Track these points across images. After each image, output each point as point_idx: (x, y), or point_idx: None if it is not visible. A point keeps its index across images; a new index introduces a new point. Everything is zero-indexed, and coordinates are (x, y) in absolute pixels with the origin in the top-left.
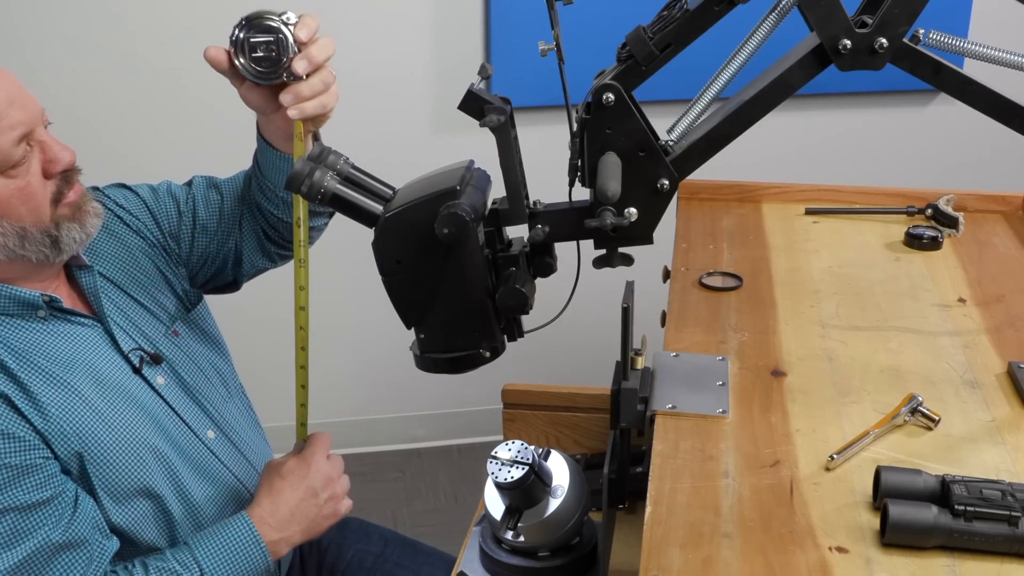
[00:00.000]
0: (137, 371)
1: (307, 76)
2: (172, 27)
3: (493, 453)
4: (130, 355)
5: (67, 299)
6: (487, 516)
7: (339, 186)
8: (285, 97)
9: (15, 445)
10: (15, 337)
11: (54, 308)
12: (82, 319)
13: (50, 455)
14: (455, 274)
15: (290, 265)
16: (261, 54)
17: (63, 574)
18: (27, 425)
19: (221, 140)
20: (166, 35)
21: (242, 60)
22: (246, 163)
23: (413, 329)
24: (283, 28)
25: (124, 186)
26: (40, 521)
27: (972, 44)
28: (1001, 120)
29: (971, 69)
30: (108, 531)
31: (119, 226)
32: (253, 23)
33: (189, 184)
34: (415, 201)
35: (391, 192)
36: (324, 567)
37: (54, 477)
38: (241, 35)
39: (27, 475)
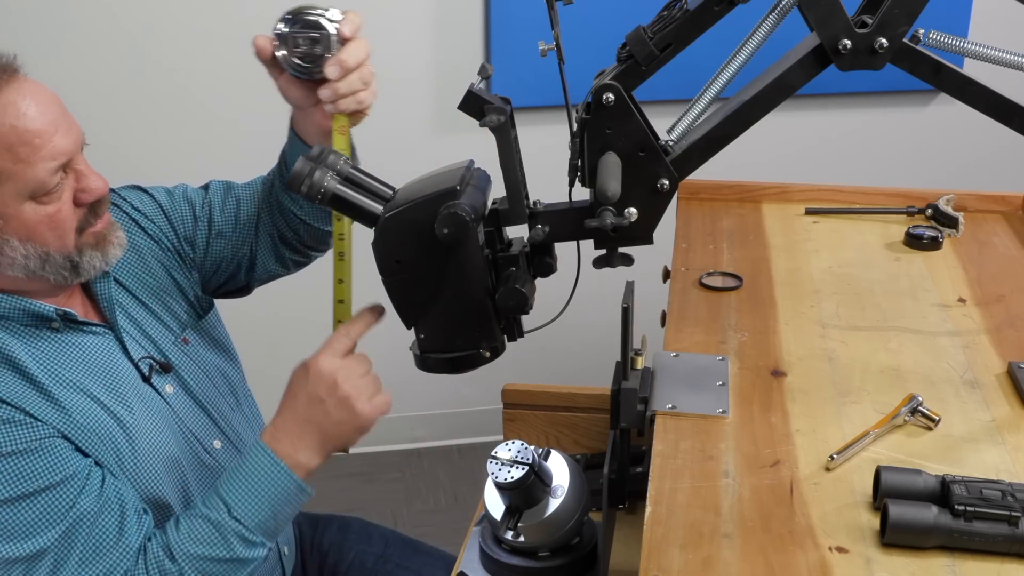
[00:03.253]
0: (146, 380)
1: (338, 80)
2: (174, 27)
3: (493, 453)
4: (140, 363)
5: (80, 307)
6: (487, 516)
7: (339, 186)
8: (323, 92)
9: (31, 432)
10: (33, 345)
11: (68, 320)
12: (94, 328)
13: (63, 438)
14: (455, 274)
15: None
16: (303, 49)
17: (114, 533)
18: (38, 421)
19: (223, 141)
20: (168, 36)
21: (284, 53)
22: (248, 164)
23: (413, 329)
24: (327, 25)
25: (140, 188)
26: (75, 493)
27: (972, 44)
28: (1001, 120)
29: (971, 69)
30: (141, 500)
31: (134, 230)
32: (299, 18)
33: (205, 188)
34: (415, 201)
35: (391, 192)
36: (325, 569)
37: (74, 454)
38: (285, 29)
39: (49, 455)
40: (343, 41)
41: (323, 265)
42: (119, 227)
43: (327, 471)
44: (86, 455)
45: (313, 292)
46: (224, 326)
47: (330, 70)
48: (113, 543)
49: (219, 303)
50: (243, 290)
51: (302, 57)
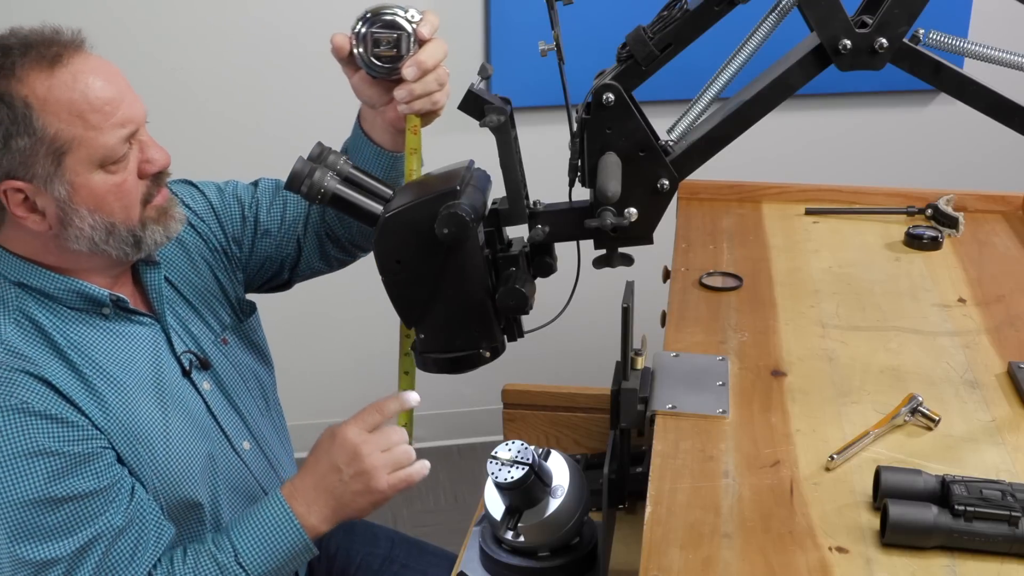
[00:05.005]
0: (186, 374)
1: (415, 80)
2: (174, 27)
3: (493, 453)
4: (181, 357)
5: (130, 296)
6: (487, 516)
7: (339, 186)
8: (399, 93)
9: (77, 433)
10: (76, 332)
11: (119, 307)
12: (142, 318)
13: (108, 445)
14: (455, 274)
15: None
16: (382, 49)
17: (125, 555)
18: (85, 418)
19: (223, 140)
20: (168, 35)
21: (361, 51)
22: (249, 163)
23: (413, 329)
24: (406, 25)
25: (191, 183)
26: (102, 507)
27: (972, 44)
28: (1001, 120)
29: (971, 69)
30: (163, 517)
31: (184, 226)
32: (378, 17)
33: (255, 184)
34: (415, 201)
35: (391, 192)
36: (334, 572)
37: (112, 466)
38: (364, 29)
39: (88, 462)
40: (420, 42)
41: (356, 273)
42: (178, 202)
43: None
44: (122, 462)
45: (341, 300)
46: (263, 332)
47: (408, 71)
48: (125, 566)
49: (260, 307)
50: (284, 286)
51: (379, 57)
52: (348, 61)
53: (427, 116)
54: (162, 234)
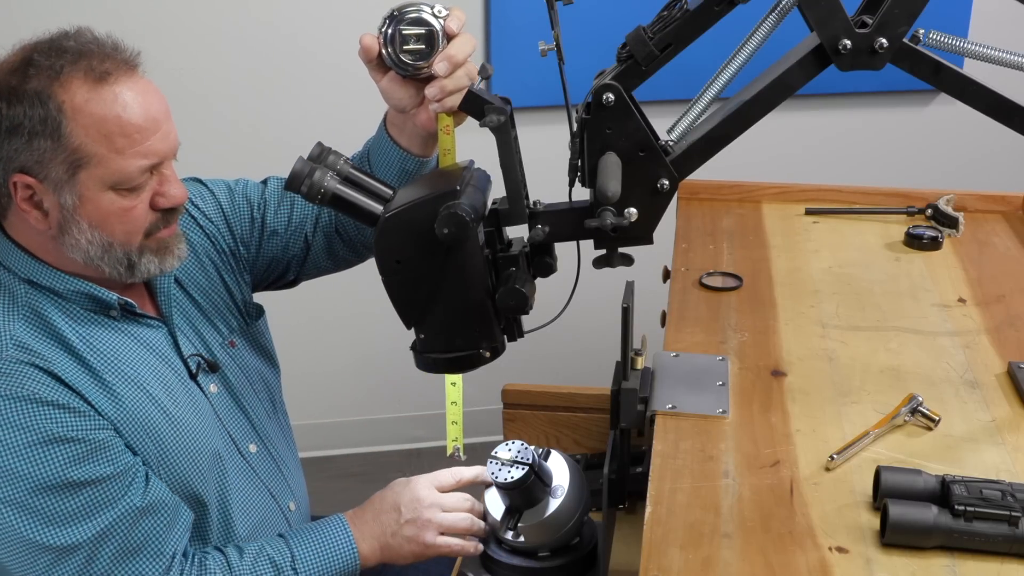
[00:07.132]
0: (193, 377)
1: (446, 76)
2: (175, 27)
3: (493, 453)
4: (189, 360)
5: (139, 299)
6: (487, 516)
7: (339, 186)
8: (431, 90)
9: (88, 422)
10: (86, 328)
11: (126, 311)
12: (150, 320)
13: (116, 434)
14: (455, 274)
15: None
16: (412, 47)
17: (150, 536)
18: (94, 410)
19: (223, 141)
20: (169, 36)
21: (390, 51)
22: (249, 163)
23: (413, 329)
24: (434, 21)
25: (200, 182)
26: (120, 490)
27: (972, 44)
28: (1001, 120)
29: (971, 69)
30: (180, 501)
31: (191, 226)
32: (406, 15)
33: (265, 183)
34: (415, 201)
35: (391, 192)
36: None
37: (125, 452)
38: (391, 29)
39: (102, 449)
40: (449, 37)
41: (357, 273)
42: (183, 239)
43: (327, 472)
44: (134, 453)
45: (342, 300)
46: (270, 335)
47: (439, 66)
48: (152, 545)
49: (268, 309)
50: (290, 284)
51: (409, 54)
52: (376, 64)
53: (459, 115)
54: (157, 266)
